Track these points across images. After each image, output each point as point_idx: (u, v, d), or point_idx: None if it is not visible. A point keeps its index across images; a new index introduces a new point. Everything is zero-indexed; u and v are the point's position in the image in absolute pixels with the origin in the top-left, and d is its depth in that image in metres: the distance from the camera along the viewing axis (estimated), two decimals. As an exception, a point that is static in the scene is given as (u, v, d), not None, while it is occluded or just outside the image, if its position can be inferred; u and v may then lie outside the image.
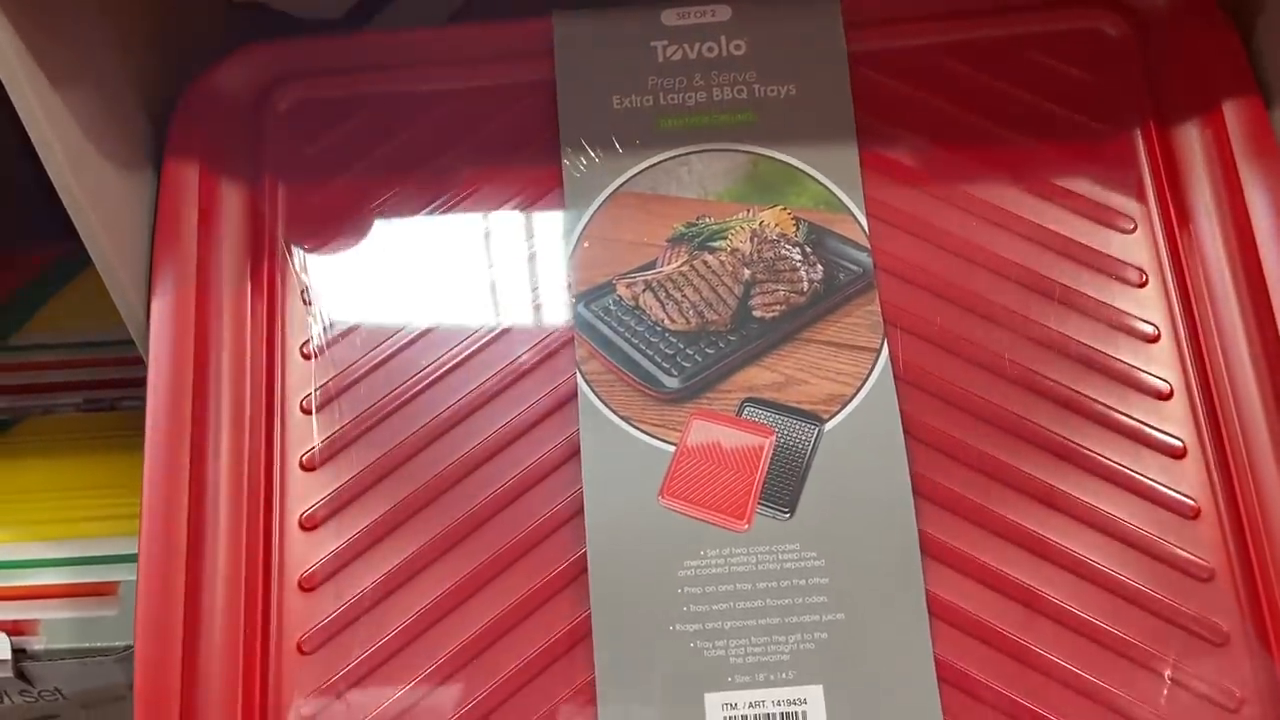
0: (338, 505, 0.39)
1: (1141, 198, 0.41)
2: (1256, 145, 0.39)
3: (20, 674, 0.42)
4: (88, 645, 0.42)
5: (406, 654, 0.37)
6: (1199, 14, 0.42)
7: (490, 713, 0.36)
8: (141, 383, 0.39)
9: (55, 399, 0.47)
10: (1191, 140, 0.41)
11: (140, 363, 0.40)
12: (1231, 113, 0.40)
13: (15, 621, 0.42)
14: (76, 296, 0.51)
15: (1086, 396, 0.38)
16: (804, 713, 0.35)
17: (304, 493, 0.39)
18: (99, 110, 0.38)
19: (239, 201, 0.42)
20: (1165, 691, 0.35)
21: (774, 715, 0.35)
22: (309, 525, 0.39)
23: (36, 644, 0.42)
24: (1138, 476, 0.37)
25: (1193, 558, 0.36)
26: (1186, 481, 0.37)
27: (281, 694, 0.37)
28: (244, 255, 0.42)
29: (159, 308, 0.40)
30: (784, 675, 0.36)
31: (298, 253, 0.42)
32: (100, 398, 0.47)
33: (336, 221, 0.42)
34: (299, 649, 0.37)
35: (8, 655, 0.41)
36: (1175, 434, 0.38)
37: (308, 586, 0.38)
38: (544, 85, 0.43)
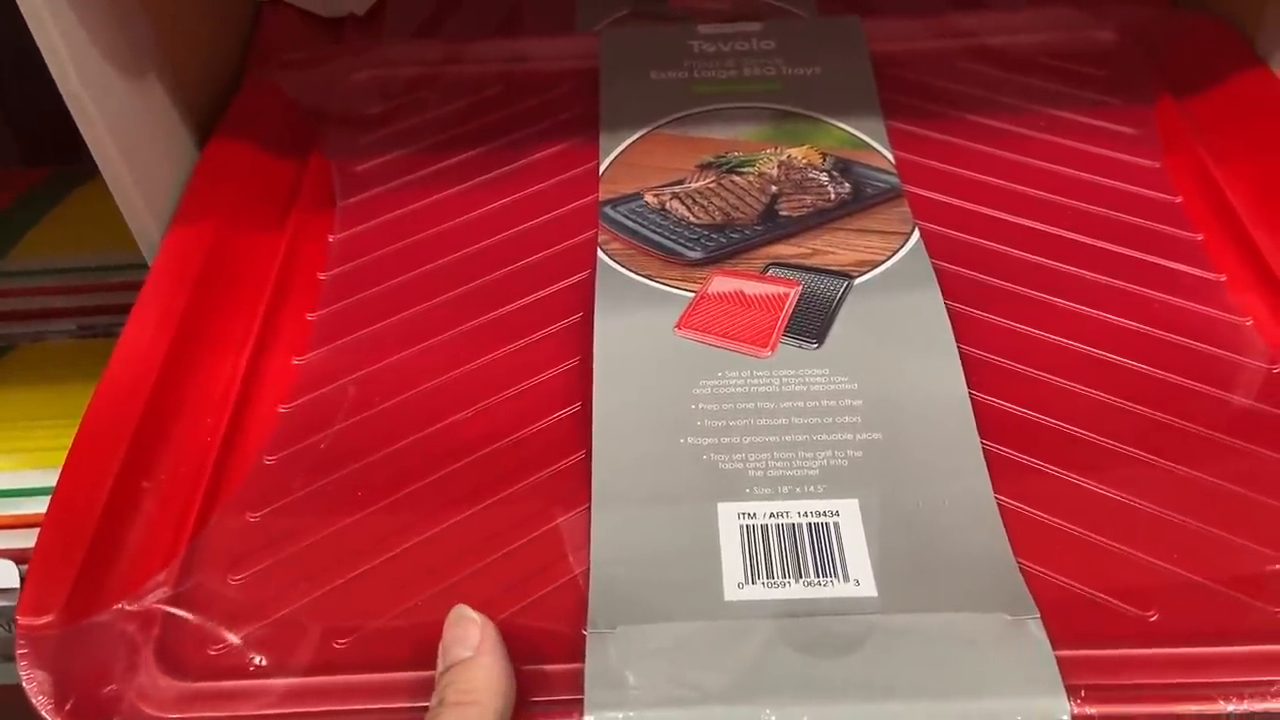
0: (349, 309, 0.37)
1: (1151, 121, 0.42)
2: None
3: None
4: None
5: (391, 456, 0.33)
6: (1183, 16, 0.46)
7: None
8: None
9: (47, 325, 0.45)
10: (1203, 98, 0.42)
11: (134, 288, 0.38)
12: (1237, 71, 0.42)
13: (21, 550, 0.38)
14: (63, 221, 0.50)
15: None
16: (835, 524, 0.29)
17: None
18: (102, 17, 0.37)
19: (286, 152, 0.44)
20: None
21: (800, 526, 0.29)
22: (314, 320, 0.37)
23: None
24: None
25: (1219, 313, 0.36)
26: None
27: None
28: (279, 190, 0.43)
29: (178, 235, 0.39)
30: (811, 489, 0.30)
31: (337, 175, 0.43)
32: (94, 324, 0.45)
33: (376, 155, 0.44)
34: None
35: (16, 583, 0.37)
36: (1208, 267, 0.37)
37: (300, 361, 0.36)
38: (588, 72, 0.47)
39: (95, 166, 0.38)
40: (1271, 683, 0.26)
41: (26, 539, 0.39)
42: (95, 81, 0.37)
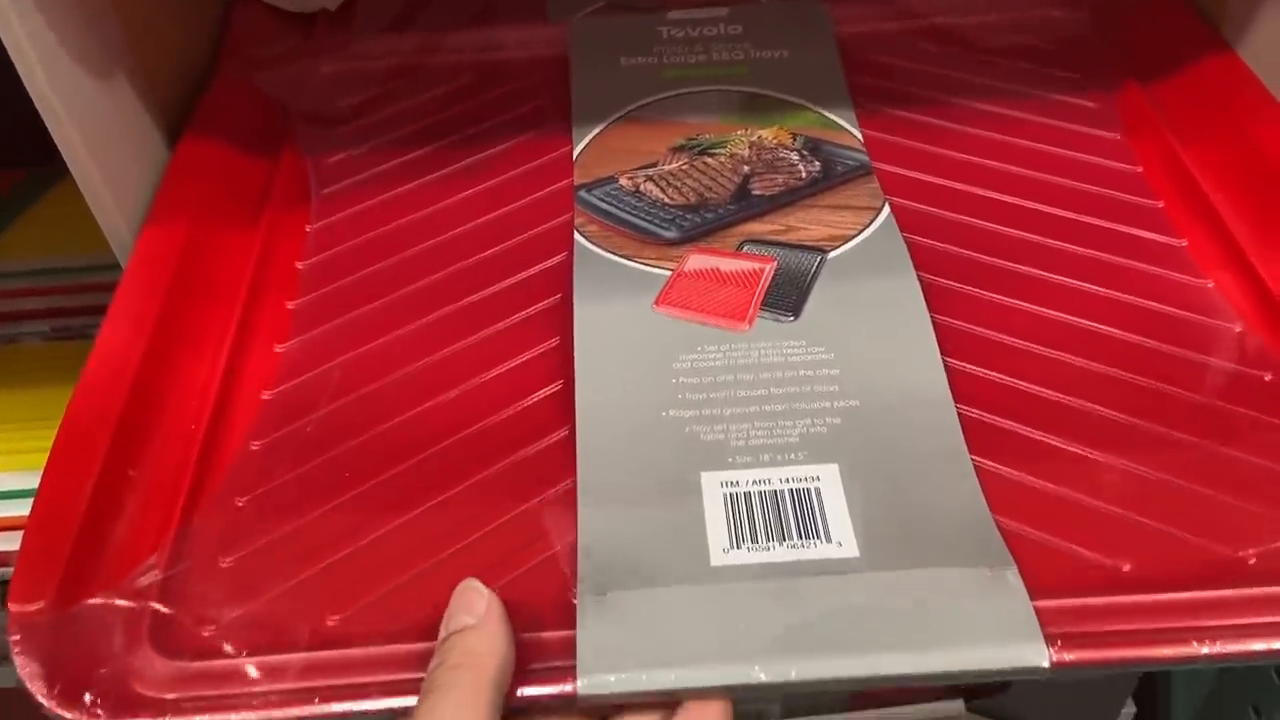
0: (329, 296, 0.37)
1: (1112, 95, 0.43)
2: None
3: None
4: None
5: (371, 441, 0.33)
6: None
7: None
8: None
9: (20, 327, 0.45)
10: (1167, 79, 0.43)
11: (108, 289, 0.37)
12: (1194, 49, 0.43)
13: (2, 553, 0.38)
14: (37, 223, 0.50)
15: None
16: (816, 489, 0.30)
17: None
18: (69, 16, 0.37)
19: (259, 152, 0.44)
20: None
21: (782, 492, 0.30)
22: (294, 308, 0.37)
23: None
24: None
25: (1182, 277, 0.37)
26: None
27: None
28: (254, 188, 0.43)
29: (151, 234, 0.38)
30: (792, 456, 0.31)
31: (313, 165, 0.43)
32: (68, 325, 0.45)
33: (351, 147, 0.44)
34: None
35: None
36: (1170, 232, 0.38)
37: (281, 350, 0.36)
38: (559, 60, 0.47)
39: (67, 167, 0.39)
40: (1245, 625, 0.27)
41: (6, 543, 0.39)
42: (64, 82, 0.37)
